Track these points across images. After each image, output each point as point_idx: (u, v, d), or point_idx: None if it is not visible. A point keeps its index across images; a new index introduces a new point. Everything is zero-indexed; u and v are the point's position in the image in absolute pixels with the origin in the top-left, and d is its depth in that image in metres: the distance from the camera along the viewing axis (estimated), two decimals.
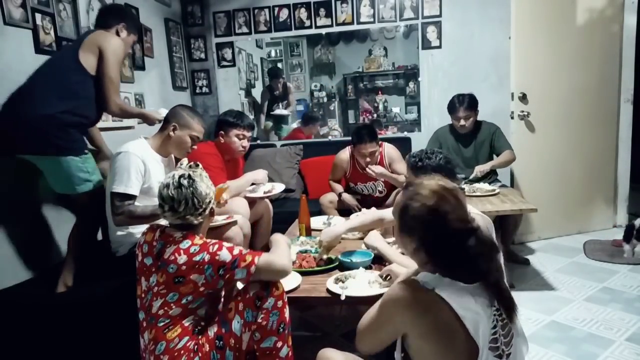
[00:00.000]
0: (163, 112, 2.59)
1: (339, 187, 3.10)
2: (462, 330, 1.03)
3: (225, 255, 1.42)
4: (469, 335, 1.03)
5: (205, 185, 1.49)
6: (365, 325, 1.19)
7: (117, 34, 2.24)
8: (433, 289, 1.05)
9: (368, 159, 2.87)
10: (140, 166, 1.97)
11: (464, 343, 1.04)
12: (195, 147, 2.19)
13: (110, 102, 2.15)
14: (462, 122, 3.10)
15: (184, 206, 1.44)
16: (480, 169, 3.05)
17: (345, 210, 2.94)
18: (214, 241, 1.45)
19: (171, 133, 2.11)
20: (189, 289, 1.41)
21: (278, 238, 1.71)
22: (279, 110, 4.23)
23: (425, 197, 1.11)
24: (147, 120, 2.43)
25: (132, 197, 1.95)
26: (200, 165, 1.57)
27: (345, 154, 3.09)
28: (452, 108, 3.15)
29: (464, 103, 3.08)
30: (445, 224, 1.08)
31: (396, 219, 1.19)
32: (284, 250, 1.60)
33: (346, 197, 3.01)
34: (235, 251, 1.44)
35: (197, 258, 1.40)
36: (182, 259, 1.40)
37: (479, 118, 3.19)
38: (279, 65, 4.18)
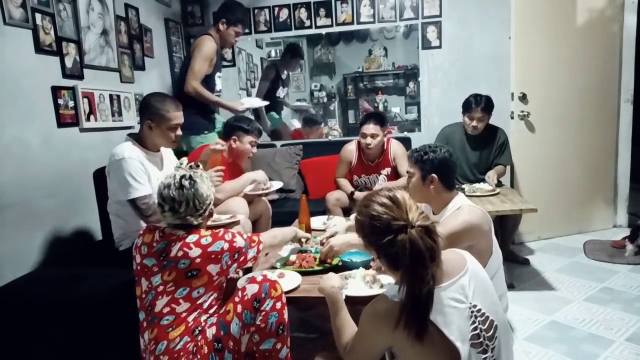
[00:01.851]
0: (246, 103, 3.11)
1: (349, 186, 3.07)
2: (436, 332, 1.07)
3: (240, 241, 1.53)
4: (445, 336, 1.07)
5: (206, 186, 1.51)
6: (350, 348, 1.25)
7: (219, 29, 3.03)
8: (399, 300, 1.09)
9: (369, 140, 2.90)
10: (139, 167, 1.98)
11: (442, 343, 1.07)
12: (180, 132, 2.12)
13: (187, 82, 2.87)
14: (475, 122, 3.05)
15: (184, 207, 1.45)
16: (492, 177, 2.99)
17: (350, 210, 2.92)
18: (223, 230, 1.52)
19: (150, 131, 2.05)
20: (202, 281, 1.44)
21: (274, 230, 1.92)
22: (299, 103, 4.12)
23: (368, 205, 1.19)
24: (229, 110, 3.06)
25: (149, 196, 1.96)
26: (201, 166, 1.58)
27: (352, 145, 3.13)
28: (467, 107, 3.09)
29: (481, 104, 3.02)
30: (385, 233, 1.12)
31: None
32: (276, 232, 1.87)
33: (359, 195, 2.93)
34: (245, 236, 1.58)
35: (214, 248, 1.44)
36: (196, 252, 1.42)
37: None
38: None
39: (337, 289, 1.45)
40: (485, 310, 1.14)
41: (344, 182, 3.11)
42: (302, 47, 4.08)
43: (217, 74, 3.14)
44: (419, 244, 1.07)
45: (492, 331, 1.14)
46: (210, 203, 1.53)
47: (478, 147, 3.17)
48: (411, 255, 1.07)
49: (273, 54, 4.15)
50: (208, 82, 3.01)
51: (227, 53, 4.00)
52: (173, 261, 1.42)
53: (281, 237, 1.86)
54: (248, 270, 1.85)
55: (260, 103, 3.37)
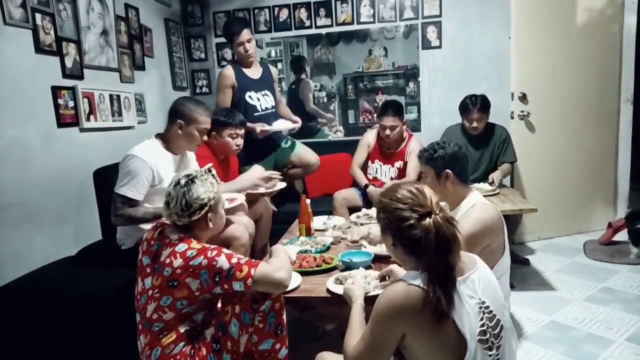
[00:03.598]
0: (274, 126, 2.98)
1: (363, 178, 3.07)
2: (451, 323, 1.09)
3: (222, 261, 1.38)
4: (457, 328, 1.09)
5: (202, 190, 1.45)
6: (362, 349, 1.18)
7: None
8: (419, 286, 1.10)
9: (388, 132, 2.94)
10: (147, 173, 1.97)
11: (453, 336, 1.09)
12: (205, 138, 2.18)
13: None
14: (475, 123, 3.07)
15: (173, 204, 1.44)
16: (496, 179, 2.98)
17: (355, 209, 2.88)
18: (213, 246, 1.43)
19: (179, 131, 2.09)
20: (183, 293, 1.39)
21: (278, 249, 1.65)
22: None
23: (393, 190, 1.23)
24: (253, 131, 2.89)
25: (135, 202, 1.96)
26: (213, 172, 1.54)
27: (372, 132, 3.18)
28: (464, 109, 3.11)
29: (477, 104, 3.04)
30: (408, 216, 1.15)
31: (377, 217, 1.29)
32: (283, 261, 1.52)
33: (372, 190, 2.95)
34: (234, 259, 1.40)
35: (194, 262, 1.37)
36: (178, 262, 1.38)
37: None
38: (279, 65, 4.15)
39: (361, 307, 1.42)
40: (493, 308, 1.17)
41: (360, 174, 3.09)
42: (302, 47, 4.09)
43: (248, 94, 2.97)
44: (444, 229, 1.12)
45: (498, 329, 1.17)
46: (201, 208, 1.44)
47: (480, 147, 3.18)
48: (437, 239, 1.11)
49: (273, 54, 4.15)
50: (238, 106, 2.91)
51: (227, 53, 4.01)
52: (161, 266, 1.40)
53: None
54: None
55: (288, 125, 3.07)
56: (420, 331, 1.11)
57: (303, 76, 4.07)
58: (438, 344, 1.11)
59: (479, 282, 1.17)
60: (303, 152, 3.19)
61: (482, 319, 1.13)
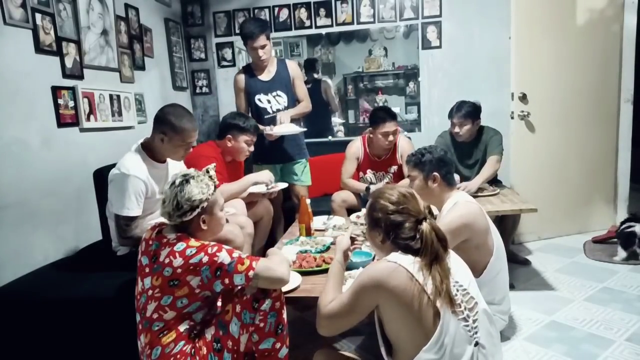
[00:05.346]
0: (275, 129, 2.83)
1: (360, 183, 3.00)
2: (425, 295, 1.20)
3: (224, 256, 1.40)
4: (430, 300, 1.20)
5: (197, 191, 1.44)
6: (337, 309, 1.33)
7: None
8: (396, 262, 1.24)
9: (391, 138, 2.84)
10: (140, 188, 1.97)
11: (428, 306, 1.20)
12: (190, 150, 2.12)
13: None
14: (457, 129, 3.01)
15: (167, 203, 1.45)
16: (467, 189, 2.71)
17: (354, 210, 2.87)
18: (212, 243, 1.43)
19: (160, 143, 2.02)
20: (183, 291, 1.40)
21: (275, 250, 1.70)
22: None
23: (389, 194, 1.34)
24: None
25: (135, 218, 1.97)
26: (211, 172, 1.53)
27: (357, 142, 3.07)
28: (450, 112, 3.08)
29: (461, 110, 2.98)
30: (404, 214, 1.29)
31: (366, 216, 1.41)
32: (282, 259, 1.55)
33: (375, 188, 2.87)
34: (235, 254, 1.42)
35: (195, 260, 1.38)
36: (178, 261, 1.38)
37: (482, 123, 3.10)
38: None
39: (339, 265, 1.53)
40: (466, 287, 1.28)
41: (355, 183, 3.00)
42: (302, 47, 4.09)
43: (257, 97, 2.95)
44: (440, 232, 1.28)
45: (472, 305, 1.26)
46: (192, 209, 1.43)
47: (469, 153, 3.11)
48: (439, 240, 1.26)
49: (273, 54, 4.14)
50: (250, 110, 3.00)
51: (227, 53, 4.02)
52: (160, 266, 1.40)
53: None
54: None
55: (292, 129, 2.86)
56: (397, 305, 1.22)
57: (315, 75, 4.05)
58: (414, 315, 1.20)
59: (451, 263, 1.29)
60: (299, 189, 3.08)
61: (456, 294, 1.23)
